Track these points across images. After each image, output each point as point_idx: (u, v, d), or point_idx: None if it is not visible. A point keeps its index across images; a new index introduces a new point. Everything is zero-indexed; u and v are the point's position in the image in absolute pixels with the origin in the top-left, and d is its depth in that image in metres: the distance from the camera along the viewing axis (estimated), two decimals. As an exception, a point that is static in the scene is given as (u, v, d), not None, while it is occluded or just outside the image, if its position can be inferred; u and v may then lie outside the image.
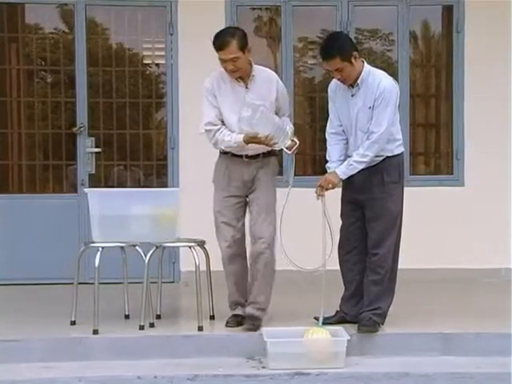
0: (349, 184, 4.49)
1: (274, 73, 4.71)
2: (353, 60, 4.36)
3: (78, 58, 6.40)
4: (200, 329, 4.56)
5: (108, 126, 6.57)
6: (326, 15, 6.58)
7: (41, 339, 4.41)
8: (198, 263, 4.60)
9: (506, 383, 4.02)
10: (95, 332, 4.45)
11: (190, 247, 4.65)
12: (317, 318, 4.52)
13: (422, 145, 6.98)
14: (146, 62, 6.75)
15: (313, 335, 4.19)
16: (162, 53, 6.54)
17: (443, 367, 4.24)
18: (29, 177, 6.67)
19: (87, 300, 4.55)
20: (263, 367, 4.22)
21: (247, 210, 4.65)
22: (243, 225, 4.63)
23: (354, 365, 4.24)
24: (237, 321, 4.61)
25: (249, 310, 4.57)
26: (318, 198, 4.45)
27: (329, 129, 4.62)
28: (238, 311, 4.67)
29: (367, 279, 4.54)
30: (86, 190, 4.98)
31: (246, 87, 4.51)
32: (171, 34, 6.39)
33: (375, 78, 4.42)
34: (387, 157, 4.48)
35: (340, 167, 4.43)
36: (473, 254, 6.34)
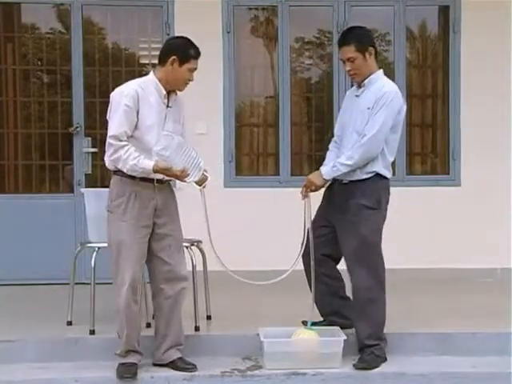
0: (326, 200, 4.38)
1: None
2: (367, 55, 4.26)
3: (74, 58, 6.39)
4: (197, 329, 4.57)
5: (104, 126, 6.54)
6: (323, 15, 6.59)
7: (37, 339, 4.41)
8: (194, 263, 4.61)
9: (503, 383, 4.03)
10: (92, 332, 4.45)
11: (186, 247, 4.64)
12: (304, 322, 4.49)
13: (419, 145, 6.97)
14: (142, 62, 6.73)
15: (299, 336, 4.18)
16: (159, 53, 6.51)
17: (439, 367, 4.25)
18: (25, 177, 6.65)
19: (83, 300, 4.54)
20: (260, 367, 4.22)
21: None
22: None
23: (351, 365, 4.23)
24: (134, 371, 4.04)
25: (176, 354, 4.15)
26: (303, 199, 4.35)
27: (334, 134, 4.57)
28: (133, 359, 4.08)
29: (359, 316, 4.26)
30: (83, 189, 4.98)
31: (168, 106, 4.05)
32: (168, 34, 6.38)
33: (383, 84, 4.28)
34: (369, 177, 4.24)
35: (325, 167, 4.33)
36: (469, 253, 6.33)
